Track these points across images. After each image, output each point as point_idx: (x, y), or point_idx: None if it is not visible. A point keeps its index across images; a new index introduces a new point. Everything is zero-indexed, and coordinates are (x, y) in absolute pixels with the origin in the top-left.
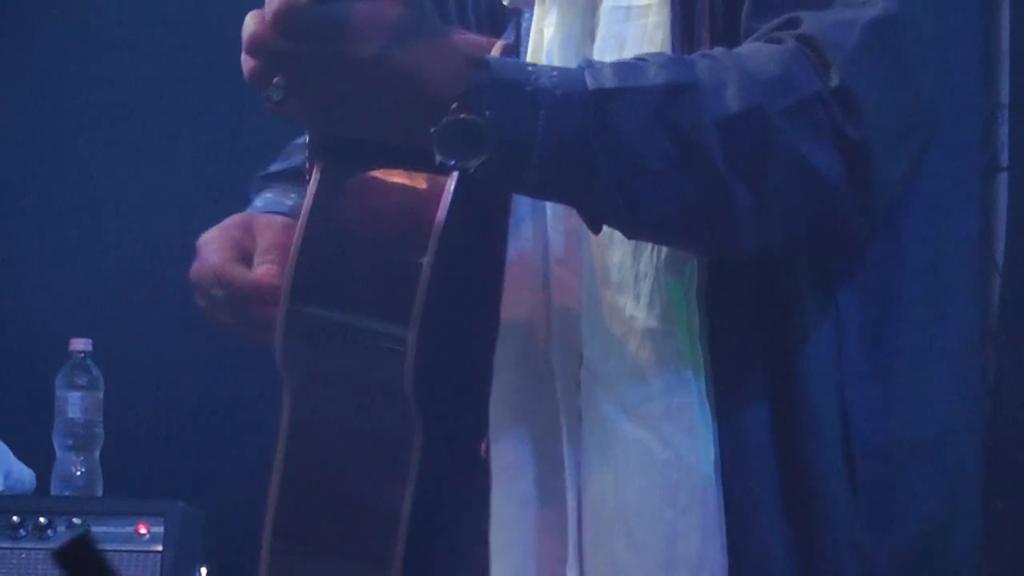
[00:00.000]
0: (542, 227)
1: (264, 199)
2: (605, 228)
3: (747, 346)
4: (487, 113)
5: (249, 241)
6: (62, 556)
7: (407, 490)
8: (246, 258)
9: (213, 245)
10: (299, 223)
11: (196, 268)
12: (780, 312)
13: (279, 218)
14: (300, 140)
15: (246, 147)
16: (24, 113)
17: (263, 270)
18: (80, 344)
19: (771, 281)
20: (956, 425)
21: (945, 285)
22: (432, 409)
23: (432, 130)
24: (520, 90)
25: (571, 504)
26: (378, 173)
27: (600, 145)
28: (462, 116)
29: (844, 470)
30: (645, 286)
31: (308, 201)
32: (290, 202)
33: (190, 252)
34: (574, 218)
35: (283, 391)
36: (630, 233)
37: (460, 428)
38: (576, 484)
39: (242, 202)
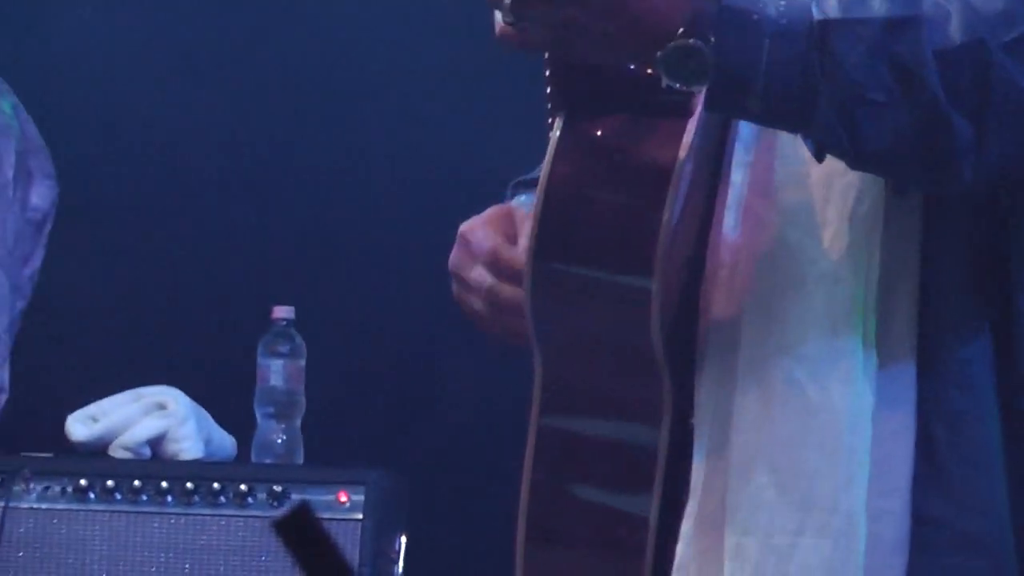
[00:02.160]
0: (728, 184)
1: (519, 201)
2: (797, 170)
3: (964, 305)
4: (712, 39)
5: (510, 228)
6: (282, 527)
7: (658, 465)
8: (509, 241)
9: (477, 230)
10: (541, 175)
11: (456, 254)
12: (1000, 271)
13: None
14: None
15: (450, 121)
16: (236, 81)
17: (513, 257)
18: (282, 312)
19: (992, 240)
20: None
21: None
22: (672, 370)
23: (658, 54)
24: (746, 18)
25: (705, 436)
26: (617, 123)
27: (822, 75)
28: (688, 41)
29: None
30: (829, 232)
31: (550, 153)
32: None
33: (393, 221)
34: (764, 160)
35: (534, 358)
36: (852, 164)
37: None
38: (716, 427)
39: (449, 171)
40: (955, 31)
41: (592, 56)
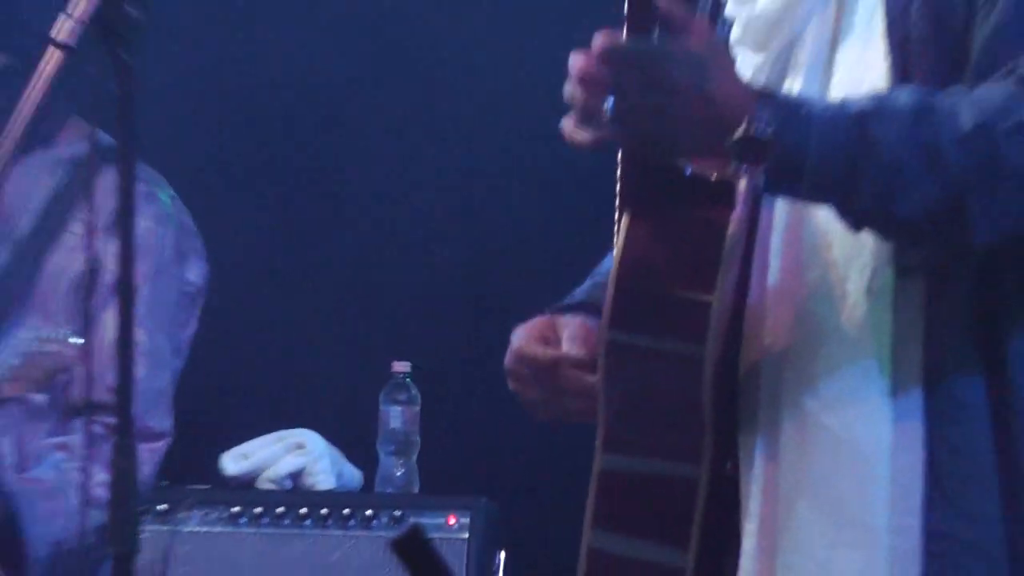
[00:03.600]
0: (765, 252)
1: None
2: (824, 255)
3: (965, 351)
4: (771, 129)
5: (551, 333)
6: (398, 546)
7: (701, 502)
8: (548, 343)
9: (519, 335)
10: (613, 260)
11: (507, 356)
12: (995, 327)
13: (578, 317)
14: (583, 287)
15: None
16: (361, 133)
17: (565, 345)
18: (400, 366)
19: (988, 300)
20: None
21: None
22: (716, 424)
23: (729, 141)
24: (797, 112)
25: (756, 477)
26: (674, 218)
27: (863, 157)
28: (753, 131)
29: None
30: (848, 304)
31: (620, 242)
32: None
33: (502, 285)
34: (793, 248)
35: (598, 413)
36: (885, 233)
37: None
38: (762, 462)
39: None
40: (965, 120)
41: (669, 142)
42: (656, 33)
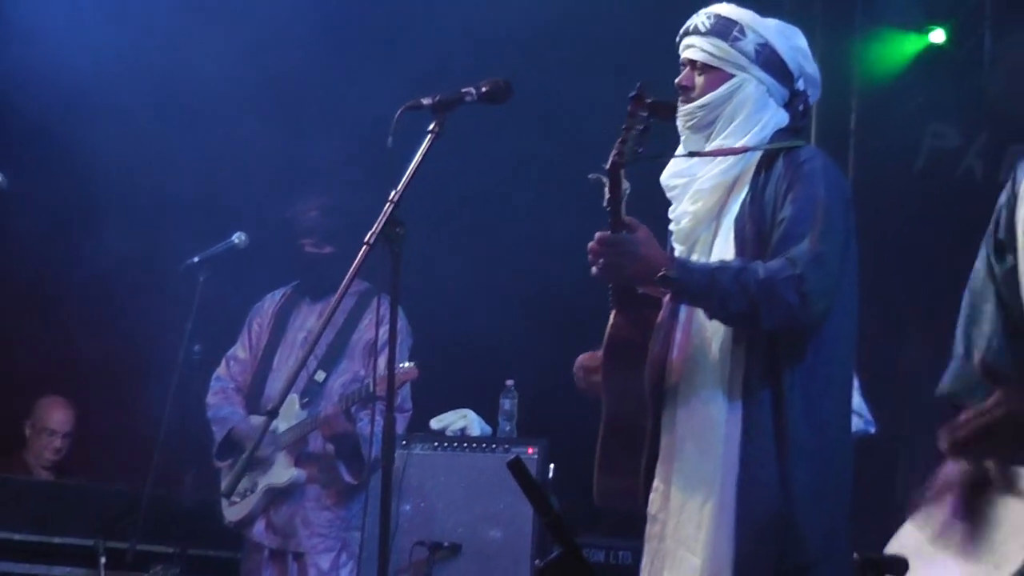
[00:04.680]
0: (675, 330)
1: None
2: (701, 332)
3: (762, 376)
4: (674, 273)
5: (592, 357)
6: (510, 465)
7: (648, 440)
8: (590, 361)
9: (580, 359)
10: (607, 331)
11: (575, 367)
12: (776, 366)
13: (599, 353)
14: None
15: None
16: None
17: (595, 365)
18: (509, 382)
19: (773, 354)
20: (841, 426)
21: (833, 358)
22: (654, 408)
23: (656, 278)
24: (686, 266)
25: (667, 429)
26: (636, 309)
27: (715, 288)
28: (666, 274)
29: (806, 426)
30: (712, 356)
31: (611, 320)
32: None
33: (563, 333)
34: (688, 325)
35: (603, 397)
36: (726, 322)
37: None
38: (669, 425)
39: None
40: (761, 274)
41: (629, 280)
42: (624, 231)
